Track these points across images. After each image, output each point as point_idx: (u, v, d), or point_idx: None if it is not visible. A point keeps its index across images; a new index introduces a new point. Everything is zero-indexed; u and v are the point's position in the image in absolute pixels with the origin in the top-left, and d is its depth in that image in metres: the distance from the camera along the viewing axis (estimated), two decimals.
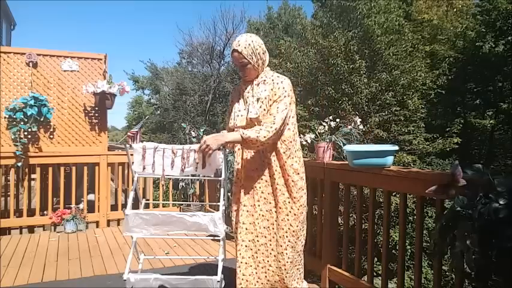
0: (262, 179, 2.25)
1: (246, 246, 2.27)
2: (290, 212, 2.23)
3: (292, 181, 2.23)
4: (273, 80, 2.23)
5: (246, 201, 2.28)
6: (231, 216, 2.44)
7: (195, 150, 2.31)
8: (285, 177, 2.23)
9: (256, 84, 2.25)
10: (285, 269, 2.23)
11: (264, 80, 2.24)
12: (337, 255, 2.85)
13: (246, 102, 2.26)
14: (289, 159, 2.23)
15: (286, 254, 2.23)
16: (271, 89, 2.19)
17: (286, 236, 2.22)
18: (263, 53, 2.22)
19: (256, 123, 2.18)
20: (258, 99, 2.19)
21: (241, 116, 2.25)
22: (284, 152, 2.22)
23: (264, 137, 2.08)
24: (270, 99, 2.18)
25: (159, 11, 61.76)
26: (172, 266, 3.30)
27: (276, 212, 2.25)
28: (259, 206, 2.25)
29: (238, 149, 2.35)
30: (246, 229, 2.27)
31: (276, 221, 2.25)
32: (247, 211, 2.27)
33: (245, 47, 2.15)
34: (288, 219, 2.23)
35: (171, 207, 5.31)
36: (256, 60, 2.18)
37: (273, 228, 2.25)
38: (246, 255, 2.27)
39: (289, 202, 2.23)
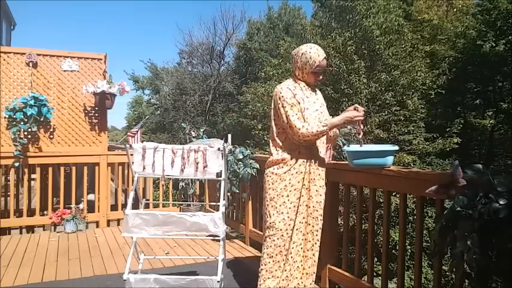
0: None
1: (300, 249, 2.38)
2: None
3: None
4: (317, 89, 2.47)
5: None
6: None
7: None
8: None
9: (315, 90, 2.44)
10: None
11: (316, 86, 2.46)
12: (337, 255, 2.85)
13: (319, 104, 2.39)
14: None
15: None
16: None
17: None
18: None
19: None
20: (322, 104, 2.42)
21: (323, 112, 2.38)
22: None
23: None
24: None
25: (159, 11, 61.76)
26: (172, 266, 3.29)
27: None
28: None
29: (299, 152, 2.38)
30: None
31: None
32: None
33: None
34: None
35: (171, 207, 5.31)
36: None
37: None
38: (297, 259, 2.36)
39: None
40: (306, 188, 2.32)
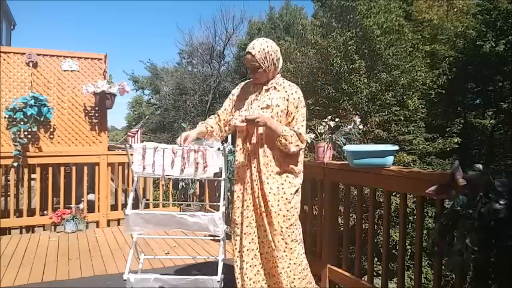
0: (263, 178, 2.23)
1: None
2: (280, 212, 2.21)
3: (290, 182, 2.25)
4: (284, 88, 2.23)
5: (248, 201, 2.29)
6: (230, 215, 2.43)
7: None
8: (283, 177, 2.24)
9: (265, 89, 2.25)
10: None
11: (275, 87, 2.24)
12: (337, 255, 2.85)
13: (251, 104, 2.25)
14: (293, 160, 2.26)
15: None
16: (286, 99, 2.20)
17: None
18: (277, 60, 2.22)
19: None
20: (267, 106, 2.19)
21: (241, 116, 2.22)
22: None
23: (295, 147, 2.17)
24: (286, 110, 2.19)
25: (159, 11, 61.62)
26: (172, 266, 3.29)
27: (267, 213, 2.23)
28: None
29: (240, 148, 2.34)
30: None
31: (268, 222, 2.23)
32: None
33: (259, 51, 2.15)
34: (278, 221, 2.20)
35: (171, 207, 5.31)
36: (267, 66, 2.18)
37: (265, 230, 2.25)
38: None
39: (283, 203, 2.21)
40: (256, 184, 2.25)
